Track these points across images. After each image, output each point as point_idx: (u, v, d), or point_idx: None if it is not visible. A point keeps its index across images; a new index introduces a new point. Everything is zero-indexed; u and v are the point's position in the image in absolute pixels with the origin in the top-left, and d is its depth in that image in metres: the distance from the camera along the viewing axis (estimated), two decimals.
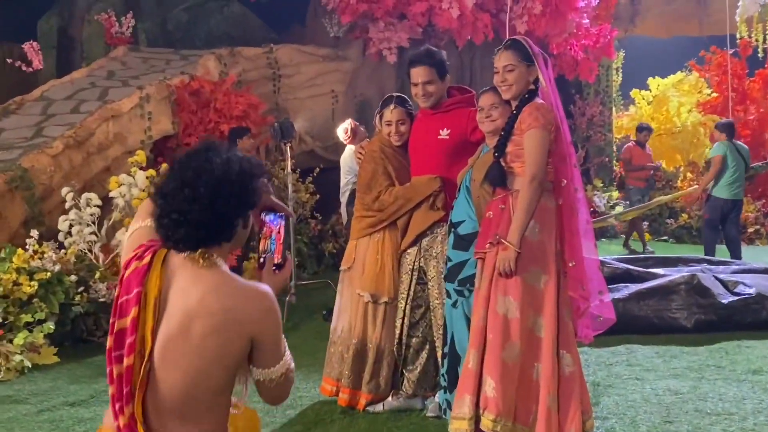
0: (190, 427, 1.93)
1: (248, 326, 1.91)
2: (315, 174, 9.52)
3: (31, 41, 10.10)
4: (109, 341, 1.94)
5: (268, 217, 2.16)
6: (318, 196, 9.53)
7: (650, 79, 14.51)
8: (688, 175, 13.59)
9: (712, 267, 6.86)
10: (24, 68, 9.72)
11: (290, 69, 10.23)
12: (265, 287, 1.97)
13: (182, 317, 1.89)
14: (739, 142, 9.08)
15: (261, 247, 2.15)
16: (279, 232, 2.14)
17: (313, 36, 11.32)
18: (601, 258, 6.59)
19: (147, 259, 1.96)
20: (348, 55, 10.94)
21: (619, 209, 12.34)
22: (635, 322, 5.78)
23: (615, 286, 6.04)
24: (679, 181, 13.26)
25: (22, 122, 8.00)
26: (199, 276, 1.93)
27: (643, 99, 14.43)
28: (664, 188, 12.65)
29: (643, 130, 10.95)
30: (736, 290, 6.10)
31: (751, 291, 6.04)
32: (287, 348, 2.06)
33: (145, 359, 1.89)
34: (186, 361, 1.89)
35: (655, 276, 6.32)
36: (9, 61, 9.84)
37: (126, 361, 1.89)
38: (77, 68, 9.78)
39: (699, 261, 7.27)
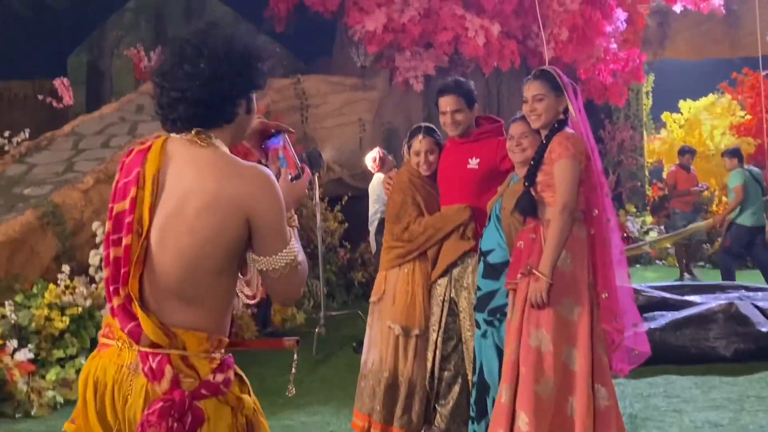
0: (188, 308, 1.86)
1: (242, 205, 1.83)
2: (343, 202, 9.56)
3: (62, 77, 10.27)
4: (108, 225, 1.90)
5: (268, 142, 2.11)
6: (346, 224, 9.56)
7: (681, 102, 14.39)
8: (723, 198, 13.39)
9: (750, 294, 6.71)
10: (54, 104, 9.88)
11: (318, 99, 10.33)
12: (265, 169, 1.91)
13: (178, 196, 1.84)
14: (751, 167, 9.04)
15: (273, 171, 2.06)
16: (285, 148, 2.08)
17: (340, 66, 11.40)
18: (636, 286, 6.53)
19: (148, 143, 1.93)
20: (375, 84, 11.01)
21: (653, 234, 12.22)
22: (672, 352, 5.68)
23: (651, 314, 5.95)
24: (714, 206, 13.08)
25: (53, 158, 8.10)
26: (196, 156, 1.87)
27: (675, 122, 14.32)
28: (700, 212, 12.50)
29: (685, 153, 10.83)
30: None
31: None
32: (295, 238, 1.93)
33: (143, 237, 1.84)
34: (182, 240, 1.83)
35: (692, 304, 6.21)
36: (40, 97, 10.00)
37: (124, 241, 1.84)
38: (107, 103, 9.92)
39: (736, 288, 7.12)
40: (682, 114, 14.34)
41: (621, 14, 11.44)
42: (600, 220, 3.47)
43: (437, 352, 4.08)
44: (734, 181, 8.73)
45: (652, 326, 5.75)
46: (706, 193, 12.15)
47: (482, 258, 3.82)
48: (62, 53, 11.63)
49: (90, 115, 9.27)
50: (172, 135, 1.92)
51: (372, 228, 7.29)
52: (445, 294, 4.08)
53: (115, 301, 1.85)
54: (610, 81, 11.51)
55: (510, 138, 3.74)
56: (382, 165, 7.12)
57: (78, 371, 5.48)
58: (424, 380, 4.11)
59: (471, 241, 4.00)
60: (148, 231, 1.85)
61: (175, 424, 1.74)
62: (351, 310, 8.10)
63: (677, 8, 11.70)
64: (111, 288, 1.87)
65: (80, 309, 5.82)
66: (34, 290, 5.97)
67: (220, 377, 1.86)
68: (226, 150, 1.93)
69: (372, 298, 4.40)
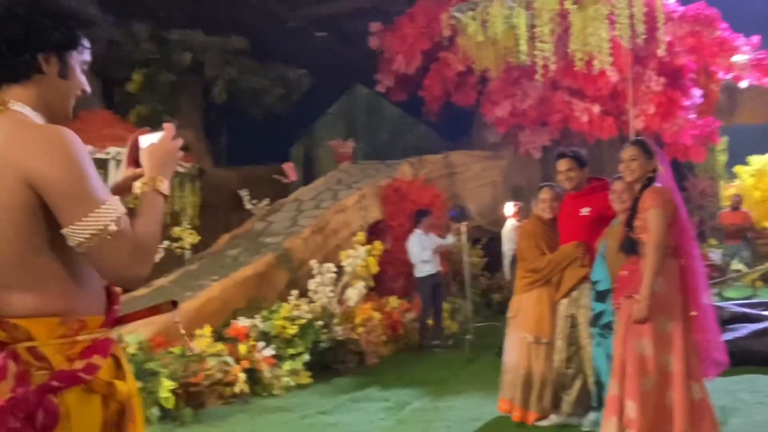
0: (24, 295, 1.25)
1: (21, 170, 1.20)
2: (483, 242, 9.51)
3: (288, 162, 10.97)
4: None
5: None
6: (486, 258, 9.48)
7: (750, 157, 13.27)
8: None
9: None
10: (283, 180, 10.54)
11: (461, 168, 10.37)
12: (60, 128, 1.26)
13: None
14: None
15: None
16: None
17: (477, 143, 11.40)
18: (722, 304, 6.05)
19: None
20: (503, 154, 10.92)
21: (733, 262, 11.24)
22: (754, 356, 5.16)
23: (735, 326, 5.48)
24: None
25: (283, 217, 8.55)
26: None
27: (746, 173, 13.18)
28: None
29: (733, 198, 10.15)
30: None
31: None
32: (114, 200, 1.25)
33: None
34: None
35: None
36: (274, 176, 10.72)
37: None
38: (317, 178, 10.33)
39: None
40: (752, 166, 13.19)
41: (697, 91, 10.77)
42: (688, 254, 3.30)
43: (562, 355, 3.99)
44: None
45: (737, 335, 5.29)
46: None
47: (593, 286, 3.73)
48: (286, 145, 12.34)
49: (306, 187, 9.67)
50: None
51: (506, 261, 7.24)
52: (567, 311, 4.00)
53: None
54: (691, 143, 10.80)
55: (613, 192, 3.66)
56: (518, 213, 7.14)
57: (303, 364, 5.71)
58: (553, 375, 4.02)
59: (586, 269, 3.89)
60: None
61: (18, 425, 1.18)
62: (491, 323, 7.97)
63: (743, 84, 10.87)
64: None
65: (304, 320, 6.00)
66: (274, 307, 6.24)
67: (80, 364, 1.26)
68: (26, 114, 1.30)
69: (509, 314, 4.37)
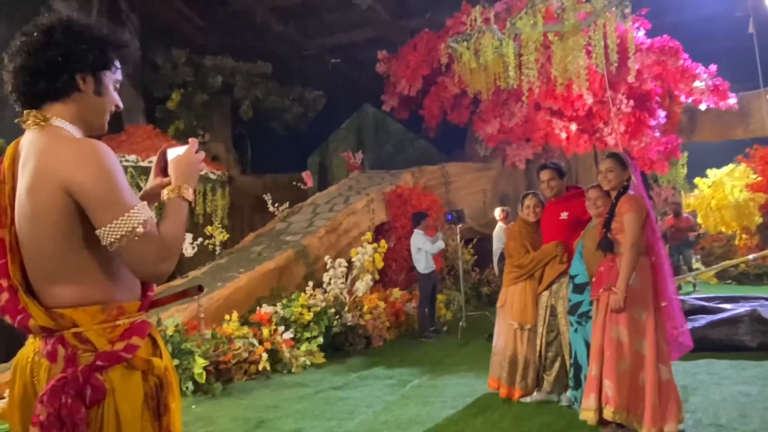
0: (67, 287, 1.25)
1: (59, 178, 1.20)
2: (474, 242, 9.49)
3: (306, 171, 10.97)
4: None
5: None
6: (476, 256, 9.45)
7: (708, 170, 13.22)
8: (743, 236, 12.09)
9: None
10: (302, 187, 10.54)
11: (455, 177, 10.36)
12: (93, 141, 1.25)
13: (21, 182, 1.26)
14: None
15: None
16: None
17: (469, 155, 11.40)
18: (683, 297, 6.01)
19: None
20: (492, 166, 10.92)
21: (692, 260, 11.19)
22: (711, 344, 5.12)
23: (694, 317, 5.43)
24: (736, 241, 11.81)
25: (301, 218, 8.57)
26: (34, 140, 1.27)
27: (705, 184, 13.13)
28: (725, 246, 11.30)
29: (672, 204, 10.42)
30: None
31: None
32: (142, 205, 1.23)
33: (8, 226, 1.28)
34: (28, 225, 1.25)
35: (724, 310, 5.61)
36: (294, 183, 10.76)
37: None
38: (330, 185, 10.38)
39: (757, 299, 6.35)
40: (709, 178, 13.14)
41: (661, 112, 10.74)
42: (657, 253, 3.28)
43: (543, 340, 3.98)
44: None
45: (696, 326, 5.25)
46: (729, 231, 11.04)
47: (571, 280, 3.71)
48: (304, 156, 12.37)
49: (321, 192, 9.69)
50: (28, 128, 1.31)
51: (495, 259, 7.21)
52: (547, 301, 3.99)
53: (2, 298, 1.26)
54: (656, 157, 10.76)
55: (588, 199, 3.64)
56: (506, 217, 7.11)
57: (318, 346, 5.67)
58: (535, 358, 4.01)
59: (564, 265, 3.89)
60: (13, 220, 1.28)
61: (69, 400, 1.18)
62: (481, 312, 7.95)
63: (702, 107, 10.84)
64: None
65: (319, 308, 6.01)
66: (293, 296, 6.25)
67: (120, 345, 1.26)
68: (65, 129, 1.28)
69: (498, 305, 4.35)
